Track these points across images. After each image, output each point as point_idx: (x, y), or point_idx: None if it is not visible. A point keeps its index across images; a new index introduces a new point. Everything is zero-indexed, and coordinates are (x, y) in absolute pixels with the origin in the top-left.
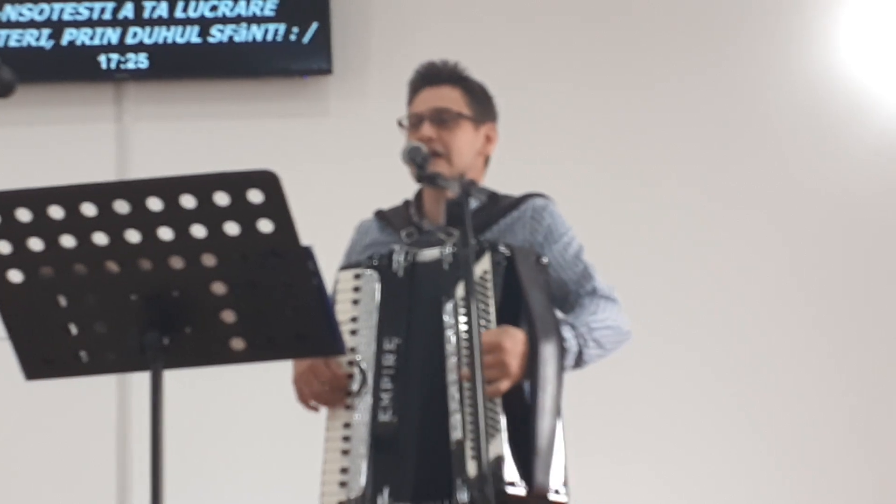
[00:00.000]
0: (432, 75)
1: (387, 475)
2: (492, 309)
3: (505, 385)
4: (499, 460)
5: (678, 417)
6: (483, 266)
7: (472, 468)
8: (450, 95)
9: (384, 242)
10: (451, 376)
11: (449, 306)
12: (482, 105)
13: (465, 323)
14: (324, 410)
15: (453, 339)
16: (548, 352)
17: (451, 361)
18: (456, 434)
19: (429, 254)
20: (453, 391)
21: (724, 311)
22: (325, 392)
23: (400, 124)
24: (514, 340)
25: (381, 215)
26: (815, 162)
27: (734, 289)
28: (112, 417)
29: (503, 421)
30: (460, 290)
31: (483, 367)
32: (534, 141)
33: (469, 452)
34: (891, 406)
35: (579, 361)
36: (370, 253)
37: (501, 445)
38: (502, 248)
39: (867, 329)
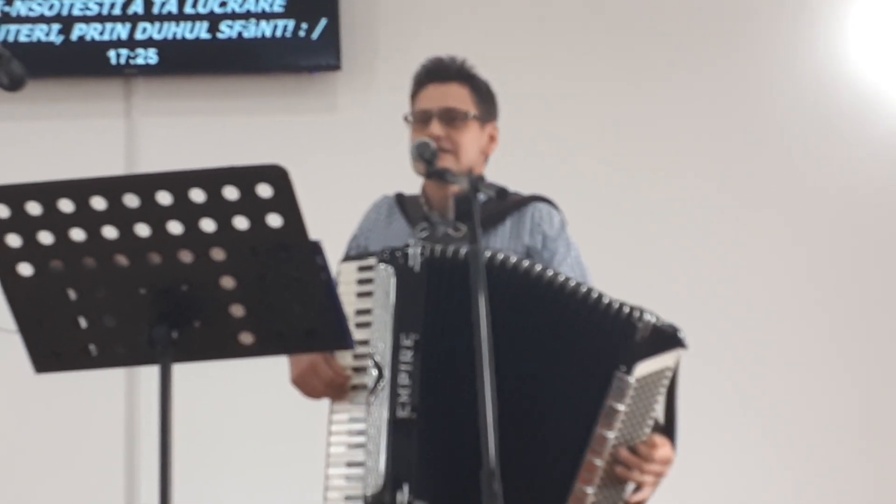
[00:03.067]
0: (440, 71)
1: (406, 472)
2: (657, 407)
3: (645, 496)
4: None
5: (688, 423)
6: (668, 362)
7: None
8: (458, 93)
9: (399, 230)
10: (595, 449)
11: (622, 378)
12: (487, 104)
13: (618, 403)
14: (326, 402)
15: (615, 418)
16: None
17: (603, 434)
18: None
19: (626, 314)
20: (591, 464)
21: (731, 307)
22: (328, 390)
23: (406, 119)
24: (672, 458)
25: (400, 199)
26: (823, 160)
27: (741, 286)
28: (120, 410)
29: None
30: (640, 370)
31: (641, 471)
32: (541, 138)
33: None
34: None
35: None
36: (384, 245)
37: None
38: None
39: (875, 327)
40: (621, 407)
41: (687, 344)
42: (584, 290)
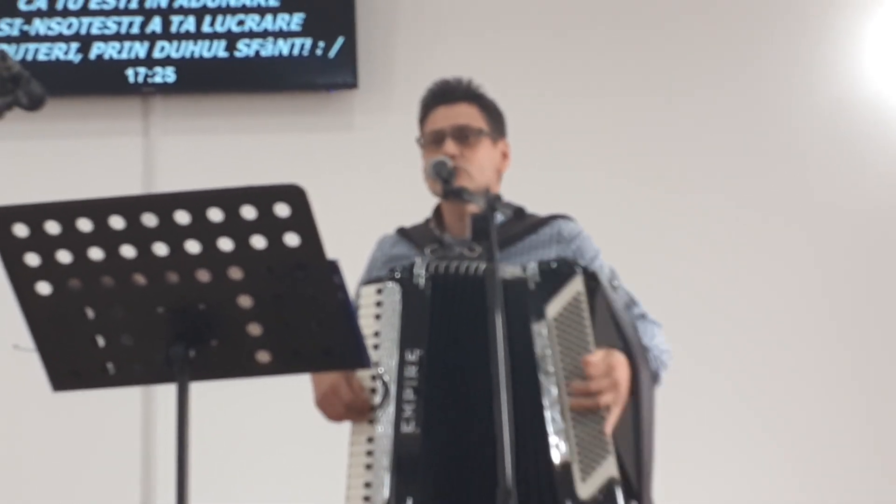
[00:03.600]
0: (448, 93)
1: (410, 487)
2: (589, 332)
3: (617, 411)
4: (611, 482)
5: (696, 427)
6: (576, 287)
7: (583, 490)
8: (468, 112)
9: (406, 256)
10: (549, 399)
11: (541, 328)
12: (497, 122)
13: (549, 350)
14: (347, 423)
15: (551, 363)
16: (645, 375)
17: (549, 382)
18: (561, 456)
19: (511, 270)
20: (554, 414)
21: (746, 321)
22: (349, 413)
23: (418, 142)
24: (622, 365)
25: (402, 232)
26: (839, 176)
27: (756, 300)
28: (137, 428)
29: (612, 443)
30: (551, 311)
31: (595, 392)
32: (557, 152)
33: (578, 475)
34: None
35: (656, 384)
36: (391, 266)
37: (613, 467)
38: (591, 270)
39: (890, 341)
40: (548, 352)
41: (580, 266)
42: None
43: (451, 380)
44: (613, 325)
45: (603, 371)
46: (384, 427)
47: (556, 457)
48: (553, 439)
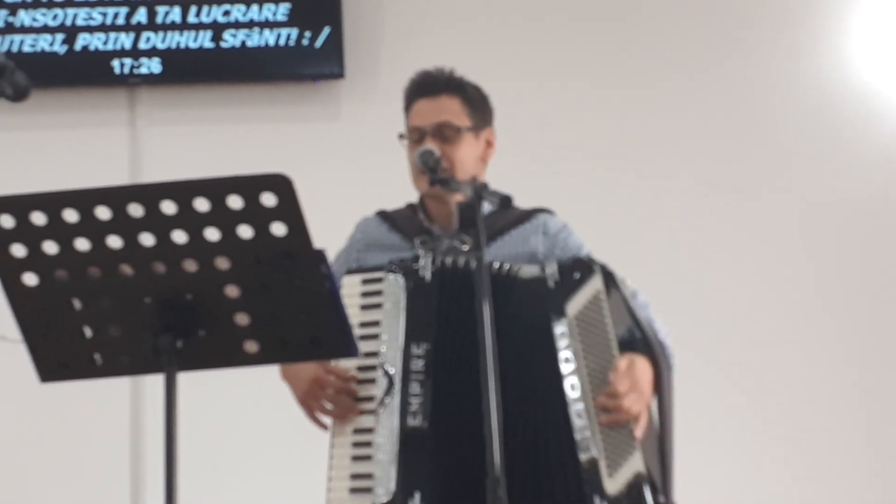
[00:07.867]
0: (429, 85)
1: (417, 480)
2: (610, 330)
3: (645, 417)
4: (638, 477)
5: (689, 420)
6: (595, 286)
7: (610, 486)
8: (449, 106)
9: (396, 246)
10: (574, 395)
11: (562, 327)
12: (480, 111)
13: (571, 348)
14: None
15: (573, 362)
16: (666, 373)
17: (572, 382)
18: (589, 453)
19: (528, 270)
20: (579, 411)
21: (734, 311)
22: (335, 404)
23: (401, 137)
24: (645, 371)
25: (385, 216)
26: (826, 167)
27: (744, 293)
28: (125, 419)
29: (636, 438)
30: (571, 309)
31: (623, 407)
32: (543, 144)
33: (605, 471)
34: None
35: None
36: (387, 256)
37: (640, 462)
38: (608, 268)
39: (880, 334)
40: (571, 351)
41: (597, 263)
42: (510, 270)
43: (459, 374)
44: (632, 322)
45: (629, 385)
46: (389, 420)
47: (583, 454)
48: (578, 435)
